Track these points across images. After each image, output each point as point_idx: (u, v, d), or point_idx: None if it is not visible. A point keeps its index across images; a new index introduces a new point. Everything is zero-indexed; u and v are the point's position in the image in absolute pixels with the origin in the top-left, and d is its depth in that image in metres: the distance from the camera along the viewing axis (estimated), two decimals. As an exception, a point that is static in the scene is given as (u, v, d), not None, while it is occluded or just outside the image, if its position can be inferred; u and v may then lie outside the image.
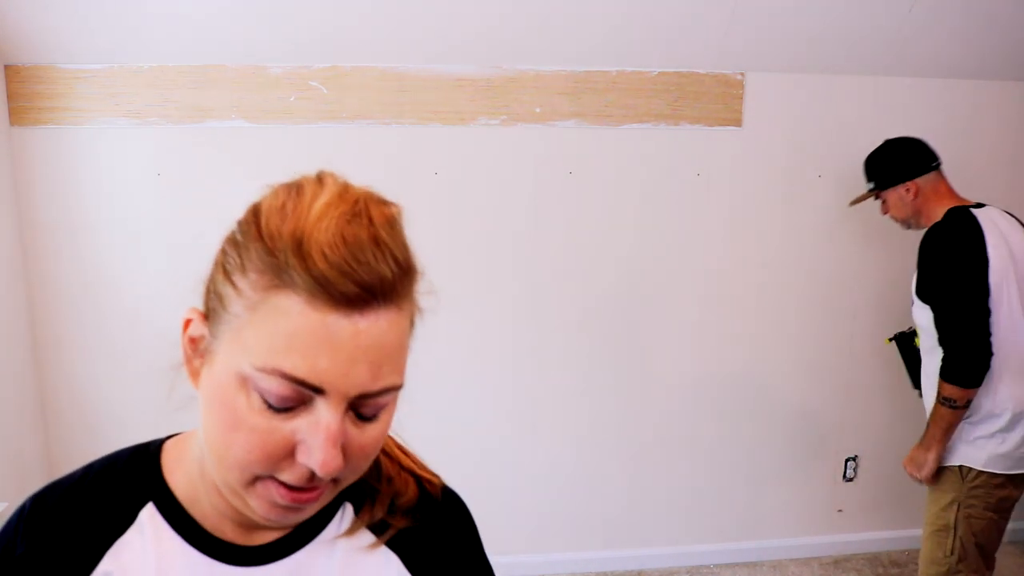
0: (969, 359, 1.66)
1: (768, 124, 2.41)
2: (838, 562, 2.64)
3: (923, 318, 1.79)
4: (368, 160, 2.29)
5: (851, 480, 2.67)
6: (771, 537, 2.64)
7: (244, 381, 0.47)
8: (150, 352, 2.34)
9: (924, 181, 1.87)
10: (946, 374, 1.68)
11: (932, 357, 1.80)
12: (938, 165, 1.90)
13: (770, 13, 2.17)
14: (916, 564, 2.55)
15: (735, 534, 2.66)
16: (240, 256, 0.48)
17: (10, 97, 2.18)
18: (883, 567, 2.60)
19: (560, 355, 2.47)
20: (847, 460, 2.66)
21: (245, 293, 0.47)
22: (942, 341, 1.71)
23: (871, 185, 1.99)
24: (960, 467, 1.74)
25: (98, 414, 2.32)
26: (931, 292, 1.75)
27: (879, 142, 2.46)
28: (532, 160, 2.35)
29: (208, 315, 0.51)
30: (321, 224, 0.46)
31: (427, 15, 2.11)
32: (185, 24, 2.08)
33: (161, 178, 2.26)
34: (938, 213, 1.82)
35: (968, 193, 2.53)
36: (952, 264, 1.71)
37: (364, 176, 2.16)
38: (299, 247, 0.45)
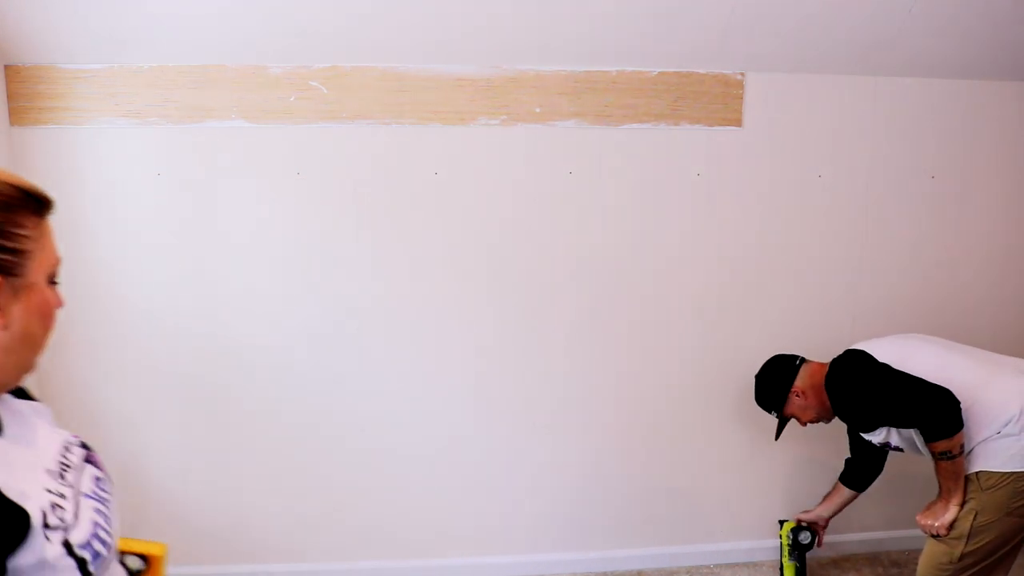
0: (935, 412, 1.67)
1: (768, 124, 2.41)
2: (838, 562, 2.64)
3: (895, 437, 1.86)
4: (368, 160, 2.29)
5: (851, 480, 2.67)
6: (771, 537, 2.64)
7: (47, 278, 0.80)
8: (150, 351, 2.34)
9: (800, 378, 2.02)
10: (930, 436, 1.69)
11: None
12: (802, 360, 2.06)
13: (770, 13, 2.17)
14: (916, 564, 2.55)
15: (735, 534, 2.66)
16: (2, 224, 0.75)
17: (10, 97, 2.18)
18: (883, 567, 2.60)
19: (559, 355, 2.47)
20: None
21: (30, 235, 0.77)
22: (913, 425, 1.75)
23: (775, 414, 2.11)
24: (978, 474, 1.71)
25: (98, 414, 2.32)
26: (868, 415, 1.84)
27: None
28: (532, 160, 2.35)
29: (3, 272, 0.74)
30: (9, 179, 0.77)
31: (427, 15, 2.11)
32: (185, 24, 2.08)
33: (161, 178, 2.26)
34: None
35: (967, 194, 2.54)
36: (855, 379, 1.84)
37: (364, 176, 2.17)
38: (29, 194, 0.78)
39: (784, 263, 2.50)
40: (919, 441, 1.79)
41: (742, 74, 2.37)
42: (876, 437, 1.89)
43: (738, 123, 2.40)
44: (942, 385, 1.68)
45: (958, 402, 1.66)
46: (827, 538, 2.67)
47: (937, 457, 1.71)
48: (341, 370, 2.40)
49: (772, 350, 2.53)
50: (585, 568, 2.59)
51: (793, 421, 2.14)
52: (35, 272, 0.77)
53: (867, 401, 1.81)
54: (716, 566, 2.64)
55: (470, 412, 2.48)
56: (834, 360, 1.95)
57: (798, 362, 2.06)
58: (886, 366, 1.80)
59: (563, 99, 2.32)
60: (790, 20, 2.20)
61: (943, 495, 1.77)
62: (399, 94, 2.27)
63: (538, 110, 2.32)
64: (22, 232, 0.76)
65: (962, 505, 1.73)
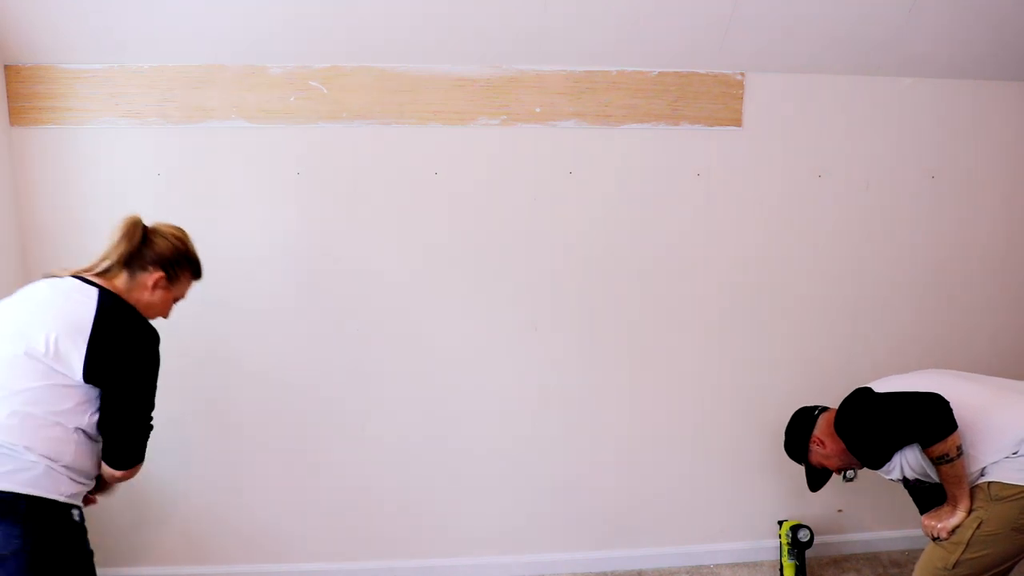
0: (926, 416, 1.66)
1: (768, 124, 2.41)
2: (838, 562, 2.64)
3: (907, 468, 1.82)
4: (368, 160, 2.29)
5: (851, 480, 2.66)
6: (771, 537, 2.65)
7: (175, 299, 1.73)
8: (150, 352, 2.34)
9: (818, 427, 2.00)
10: (925, 442, 1.68)
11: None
12: (822, 410, 2.05)
13: (770, 13, 2.18)
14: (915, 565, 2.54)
15: (735, 534, 2.66)
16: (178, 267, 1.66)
17: (10, 97, 2.18)
18: (883, 567, 2.60)
19: (559, 354, 2.47)
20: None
21: (185, 281, 1.71)
22: (909, 435, 1.73)
23: (803, 465, 2.10)
24: (990, 484, 1.69)
25: (98, 414, 2.32)
26: (876, 446, 1.81)
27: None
28: (532, 160, 2.35)
29: (169, 278, 1.64)
30: (196, 255, 1.74)
31: (428, 15, 2.11)
32: (185, 24, 2.08)
33: (161, 178, 2.26)
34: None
35: (967, 194, 2.54)
36: (856, 413, 1.84)
37: (364, 176, 2.17)
38: (200, 269, 1.75)
39: (784, 262, 2.50)
40: (926, 463, 1.78)
41: (742, 74, 2.37)
42: (893, 473, 1.87)
43: (738, 123, 2.40)
44: (933, 393, 1.68)
45: (947, 403, 1.66)
46: (827, 538, 2.67)
47: (936, 462, 1.70)
48: (341, 370, 2.40)
49: (771, 349, 2.53)
50: (585, 568, 2.59)
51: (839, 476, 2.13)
52: (175, 291, 1.68)
53: (867, 428, 1.81)
54: (716, 566, 2.64)
55: (470, 413, 2.47)
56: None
57: (817, 412, 2.05)
58: (880, 394, 1.80)
59: (563, 99, 2.32)
60: (790, 20, 2.20)
61: (950, 501, 1.76)
62: (399, 94, 2.27)
63: (538, 110, 2.32)
64: (184, 277, 1.69)
65: (969, 512, 1.72)
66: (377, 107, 2.27)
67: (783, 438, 2.13)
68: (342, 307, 2.37)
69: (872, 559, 2.65)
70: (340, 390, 2.41)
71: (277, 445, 2.43)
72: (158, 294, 1.61)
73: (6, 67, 2.16)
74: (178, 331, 2.33)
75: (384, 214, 2.33)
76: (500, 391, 2.47)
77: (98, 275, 1.55)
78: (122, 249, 1.56)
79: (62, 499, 1.41)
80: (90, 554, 1.50)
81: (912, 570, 1.94)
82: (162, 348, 2.34)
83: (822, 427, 2.00)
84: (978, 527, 1.69)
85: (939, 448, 1.66)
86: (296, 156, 2.28)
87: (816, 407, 2.08)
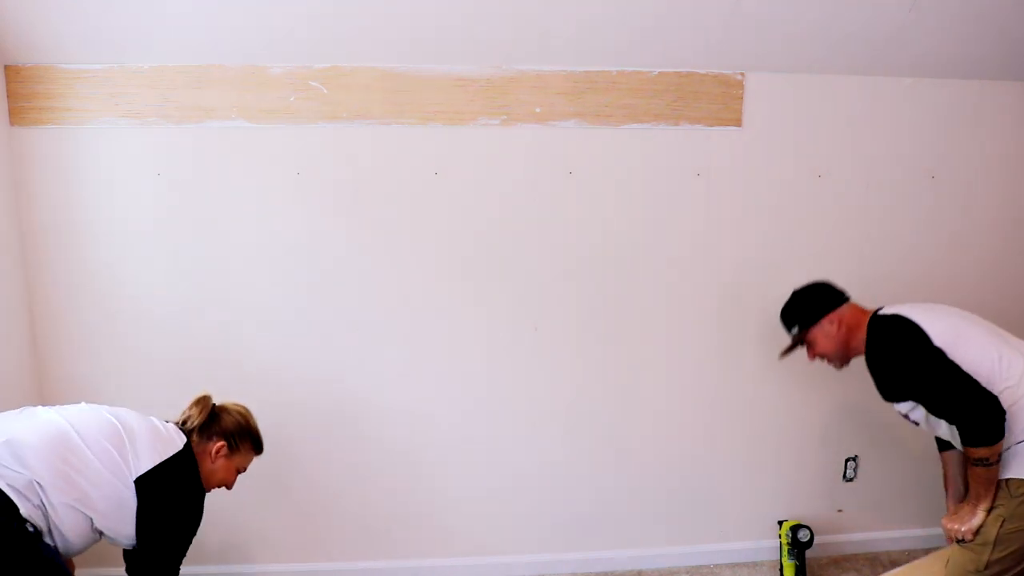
0: (980, 419, 1.62)
1: (768, 124, 2.41)
2: (838, 562, 2.64)
3: (919, 414, 1.80)
4: (368, 160, 2.29)
5: (851, 480, 2.67)
6: (771, 537, 2.65)
7: (238, 471, 1.87)
8: (149, 351, 2.34)
9: (843, 311, 1.93)
10: (968, 441, 1.64)
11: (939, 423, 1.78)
12: (848, 297, 1.97)
13: (770, 13, 2.17)
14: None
15: (735, 534, 2.66)
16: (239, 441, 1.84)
17: (10, 97, 2.18)
18: (883, 567, 2.60)
19: (560, 355, 2.47)
20: (847, 460, 2.65)
21: (247, 459, 1.88)
22: (955, 423, 1.68)
23: (795, 330, 2.00)
24: (1008, 480, 1.67)
25: (98, 414, 2.32)
26: (904, 390, 1.77)
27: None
28: (532, 160, 2.35)
29: (231, 447, 1.81)
30: (259, 432, 1.89)
31: (427, 15, 2.11)
32: (185, 24, 2.08)
33: (161, 178, 2.26)
34: (863, 333, 1.86)
35: (967, 193, 2.54)
36: (905, 356, 1.74)
37: (364, 176, 2.17)
38: (261, 446, 1.91)
39: (784, 262, 2.50)
40: (943, 424, 1.74)
41: (742, 74, 2.37)
42: (901, 408, 1.82)
43: (738, 123, 2.40)
44: (990, 390, 1.63)
45: (1004, 411, 1.62)
46: (827, 538, 2.67)
47: (973, 462, 1.67)
48: (341, 370, 2.40)
49: (772, 350, 2.53)
50: (585, 568, 2.59)
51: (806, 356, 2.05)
52: (236, 462, 1.85)
53: (914, 381, 1.73)
54: (716, 566, 2.64)
55: (471, 413, 2.47)
56: (883, 319, 1.83)
57: (847, 297, 1.97)
58: (940, 353, 1.69)
59: (563, 99, 2.32)
60: (790, 20, 2.20)
61: (972, 499, 1.73)
62: (399, 94, 2.27)
63: (538, 110, 2.32)
64: (245, 449, 1.84)
65: (990, 511, 1.70)
66: (377, 107, 2.27)
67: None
68: (342, 307, 2.37)
69: (872, 559, 2.65)
70: (340, 390, 2.41)
71: (276, 445, 2.42)
72: (220, 462, 1.79)
73: (6, 67, 2.16)
74: (176, 329, 2.33)
75: (384, 214, 2.33)
76: (499, 391, 2.47)
77: (183, 428, 1.77)
78: (195, 415, 1.78)
79: (22, 510, 1.44)
80: (47, 563, 1.48)
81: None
82: (158, 345, 2.37)
83: (845, 313, 1.92)
84: (1001, 525, 1.67)
85: (983, 451, 1.63)
86: (296, 156, 2.28)
87: (846, 296, 1.98)
